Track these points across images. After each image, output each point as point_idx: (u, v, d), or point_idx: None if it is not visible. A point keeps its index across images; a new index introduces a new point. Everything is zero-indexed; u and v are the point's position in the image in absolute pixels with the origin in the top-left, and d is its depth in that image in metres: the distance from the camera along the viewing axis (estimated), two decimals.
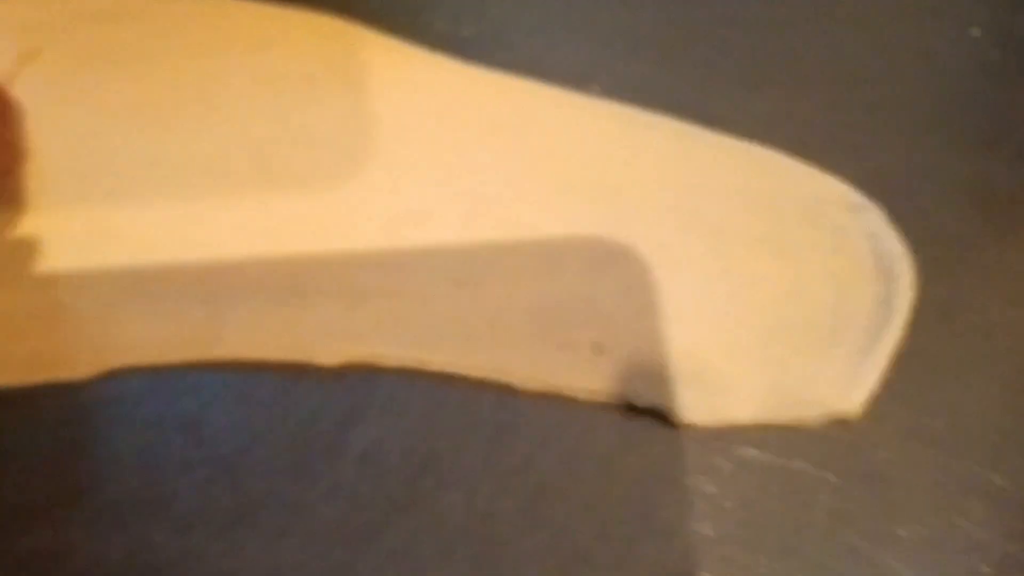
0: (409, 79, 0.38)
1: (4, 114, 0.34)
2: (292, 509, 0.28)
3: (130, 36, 0.38)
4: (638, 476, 0.29)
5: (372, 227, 0.33)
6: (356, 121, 0.36)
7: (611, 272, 0.32)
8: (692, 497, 0.28)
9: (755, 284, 0.32)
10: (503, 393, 0.30)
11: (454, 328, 0.31)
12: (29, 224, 0.33)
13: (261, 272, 0.32)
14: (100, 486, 0.28)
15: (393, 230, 0.33)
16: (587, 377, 0.30)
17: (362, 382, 0.30)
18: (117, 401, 0.30)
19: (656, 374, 0.30)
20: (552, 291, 0.32)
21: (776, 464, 0.29)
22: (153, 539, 0.27)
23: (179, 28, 0.39)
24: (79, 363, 0.30)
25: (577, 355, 0.30)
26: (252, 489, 0.28)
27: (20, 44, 0.37)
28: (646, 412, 0.29)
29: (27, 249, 0.32)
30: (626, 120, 0.37)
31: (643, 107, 0.37)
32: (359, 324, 0.31)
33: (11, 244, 0.32)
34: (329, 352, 0.30)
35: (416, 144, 0.36)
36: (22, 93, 0.35)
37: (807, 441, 0.29)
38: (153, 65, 0.37)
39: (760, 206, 0.34)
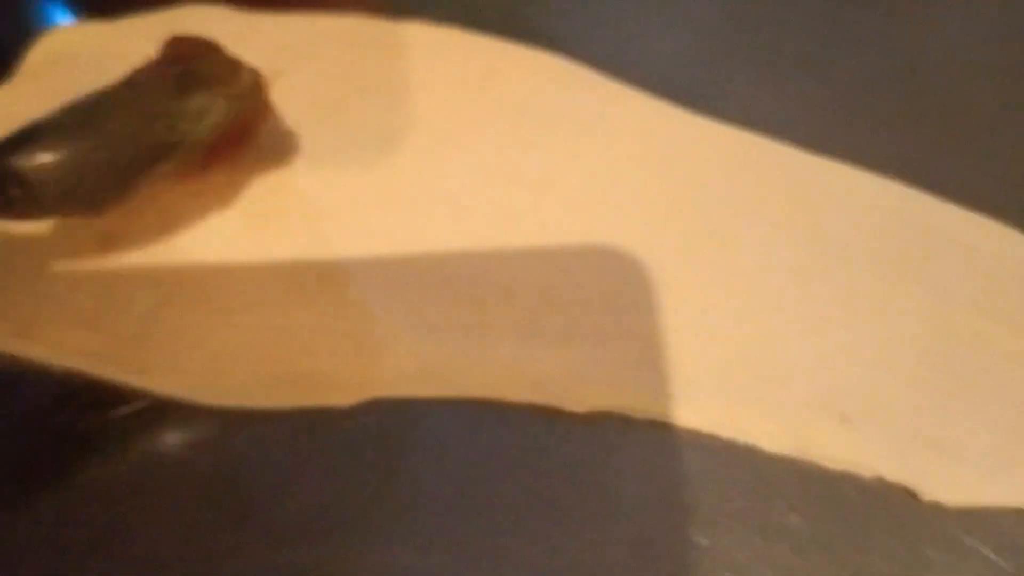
0: (628, 123, 0.39)
1: (266, 112, 0.35)
2: (544, 547, 0.29)
3: (371, 61, 0.39)
4: (882, 547, 0.29)
5: (611, 274, 0.34)
6: (581, 163, 0.37)
7: (847, 333, 0.33)
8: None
9: (995, 356, 0.32)
10: (748, 451, 0.31)
11: (699, 384, 0.32)
12: (293, 244, 0.34)
13: (514, 313, 0.33)
14: (356, 511, 0.29)
15: (630, 277, 0.34)
16: (833, 445, 0.31)
17: (610, 429, 0.31)
18: (377, 429, 0.31)
19: (903, 447, 0.31)
20: (792, 350, 0.32)
21: (1021, 546, 0.29)
22: (416, 567, 0.28)
23: (415, 55, 0.40)
24: (344, 389, 0.31)
25: (820, 421, 0.31)
26: (505, 525, 0.29)
27: (267, 64, 0.38)
28: (894, 486, 0.30)
29: (282, 275, 0.33)
30: (850, 177, 0.37)
31: (866, 166, 0.37)
32: (607, 373, 0.32)
33: (277, 264, 0.33)
34: (577, 399, 0.31)
35: (640, 190, 0.36)
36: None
37: None
38: (391, 92, 0.39)
39: (992, 278, 0.34)
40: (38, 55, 0.39)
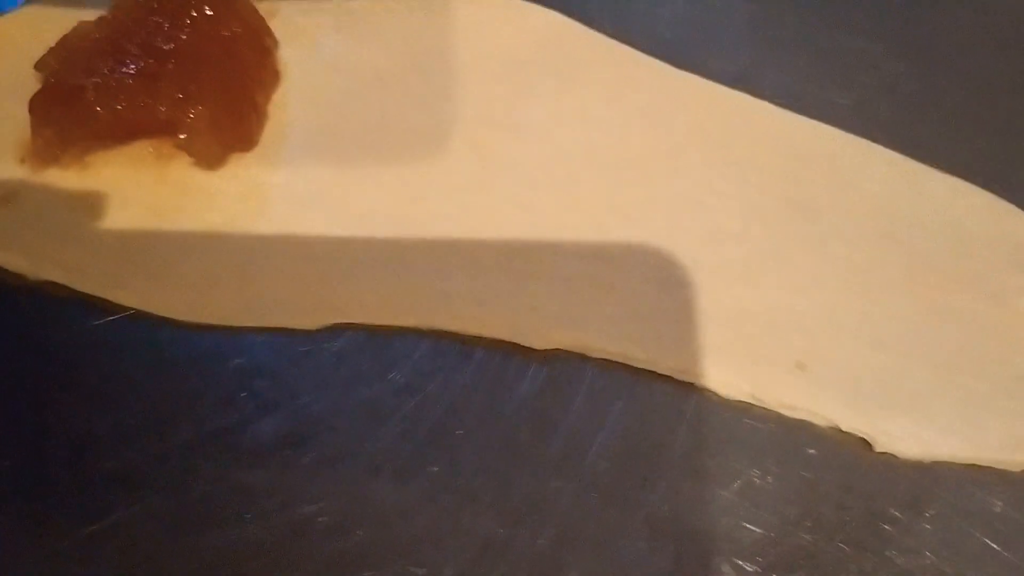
0: (620, 79, 0.39)
1: (268, 82, 0.36)
2: (502, 483, 0.29)
3: (383, 8, 0.40)
4: (834, 496, 0.29)
5: (583, 219, 0.34)
6: (569, 116, 0.37)
7: (815, 290, 0.33)
8: (887, 530, 0.29)
9: (964, 322, 0.32)
10: (703, 396, 0.31)
11: (658, 327, 0.32)
12: (267, 178, 0.35)
13: (481, 251, 0.33)
14: (315, 436, 0.30)
15: (602, 224, 0.34)
16: (787, 393, 0.30)
17: (568, 368, 0.31)
18: (339, 355, 0.31)
19: (860, 399, 0.30)
20: (755, 303, 0.32)
21: (977, 506, 0.29)
22: (370, 493, 0.29)
23: (422, 8, 0.40)
24: (305, 314, 0.32)
25: (777, 370, 0.31)
26: (465, 462, 0.29)
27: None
28: (848, 435, 0.30)
29: (261, 203, 0.34)
30: (841, 142, 0.37)
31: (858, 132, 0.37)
32: (569, 312, 0.32)
33: (248, 195, 0.34)
34: (539, 336, 0.31)
35: (625, 143, 0.37)
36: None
37: (1008, 485, 0.29)
38: (398, 39, 0.39)
39: (973, 246, 0.34)
40: None
